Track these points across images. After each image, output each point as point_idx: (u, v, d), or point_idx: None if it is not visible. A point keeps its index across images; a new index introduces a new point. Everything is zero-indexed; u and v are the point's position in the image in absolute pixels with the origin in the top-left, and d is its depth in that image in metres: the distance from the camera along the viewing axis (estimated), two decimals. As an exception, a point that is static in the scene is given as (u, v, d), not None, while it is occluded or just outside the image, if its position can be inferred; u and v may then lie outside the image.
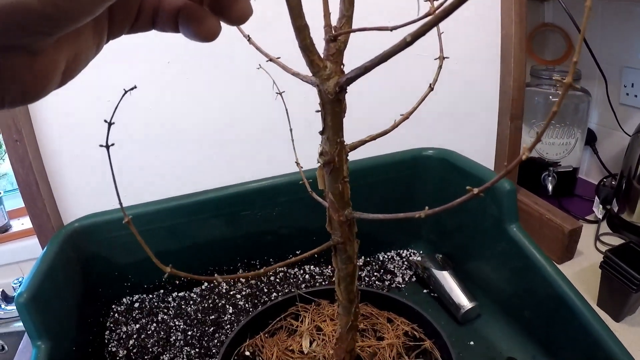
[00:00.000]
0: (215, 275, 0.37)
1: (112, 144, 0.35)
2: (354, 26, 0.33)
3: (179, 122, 0.80)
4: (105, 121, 0.34)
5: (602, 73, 0.99)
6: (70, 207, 0.84)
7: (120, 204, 0.32)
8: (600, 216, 0.98)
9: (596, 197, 1.01)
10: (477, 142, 0.93)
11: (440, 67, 0.43)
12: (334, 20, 0.34)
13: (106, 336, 0.74)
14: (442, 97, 0.75)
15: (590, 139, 1.14)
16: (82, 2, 0.17)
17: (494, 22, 0.86)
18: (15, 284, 1.04)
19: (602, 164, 1.13)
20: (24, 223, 1.19)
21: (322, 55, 0.33)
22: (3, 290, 1.03)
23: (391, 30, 0.31)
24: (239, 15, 0.25)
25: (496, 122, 0.93)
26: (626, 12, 0.98)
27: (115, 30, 0.25)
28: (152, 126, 0.80)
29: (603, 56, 0.99)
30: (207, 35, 0.26)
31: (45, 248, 0.71)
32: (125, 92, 0.36)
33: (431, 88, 0.44)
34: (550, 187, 1.07)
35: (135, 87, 0.36)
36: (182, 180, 0.81)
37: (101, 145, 0.34)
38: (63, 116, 0.78)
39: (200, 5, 0.26)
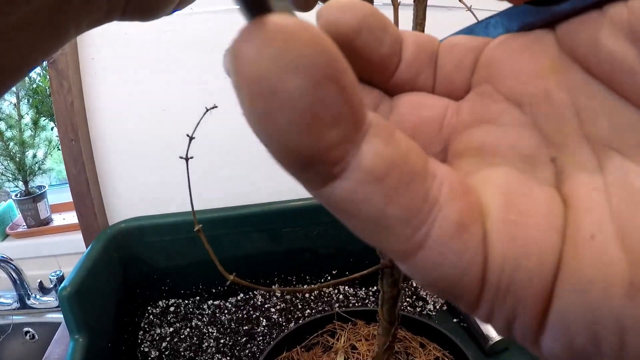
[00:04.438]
0: (273, 286, 0.38)
1: (192, 157, 0.38)
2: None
3: (234, 140, 0.82)
4: (187, 135, 0.37)
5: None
6: (115, 209, 0.87)
7: (193, 209, 0.34)
8: None
9: None
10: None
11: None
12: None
13: (140, 336, 0.76)
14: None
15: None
16: None
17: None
18: (52, 276, 1.07)
19: None
20: (65, 218, 1.23)
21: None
22: (41, 281, 1.07)
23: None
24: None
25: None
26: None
27: None
28: (204, 142, 0.82)
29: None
30: (305, 6, 0.24)
31: (91, 245, 0.74)
32: (207, 110, 0.38)
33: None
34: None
35: (215, 106, 0.38)
36: (228, 193, 0.82)
37: (181, 157, 0.37)
38: (118, 122, 0.81)
39: None
